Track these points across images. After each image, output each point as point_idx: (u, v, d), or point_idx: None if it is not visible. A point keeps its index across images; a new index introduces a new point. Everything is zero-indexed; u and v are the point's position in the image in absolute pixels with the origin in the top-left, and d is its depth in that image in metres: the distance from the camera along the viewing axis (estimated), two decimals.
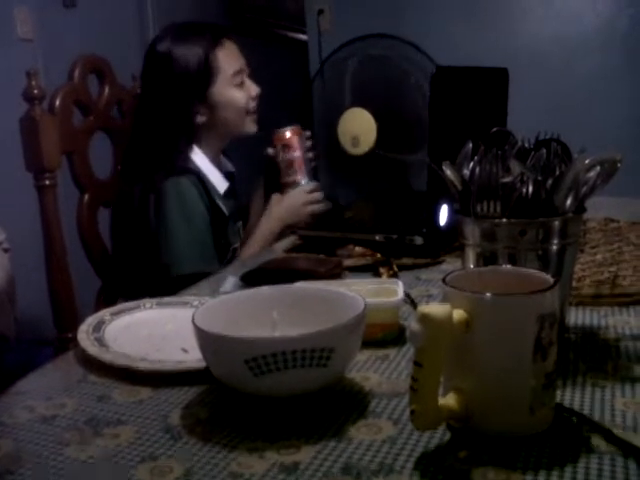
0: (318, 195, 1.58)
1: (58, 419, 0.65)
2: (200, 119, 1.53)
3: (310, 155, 1.62)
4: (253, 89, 1.59)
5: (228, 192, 1.57)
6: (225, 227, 1.55)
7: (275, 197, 1.58)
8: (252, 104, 1.59)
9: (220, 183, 1.56)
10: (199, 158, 1.54)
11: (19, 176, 1.44)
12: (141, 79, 1.58)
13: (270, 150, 1.59)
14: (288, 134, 1.57)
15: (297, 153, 1.57)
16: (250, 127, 1.60)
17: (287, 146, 1.57)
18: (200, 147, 1.55)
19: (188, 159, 1.52)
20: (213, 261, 1.47)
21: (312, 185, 1.59)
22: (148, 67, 1.55)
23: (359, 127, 1.62)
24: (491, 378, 0.56)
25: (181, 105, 1.50)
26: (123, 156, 1.58)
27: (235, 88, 1.55)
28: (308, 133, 1.63)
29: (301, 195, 1.57)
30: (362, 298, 0.68)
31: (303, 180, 1.58)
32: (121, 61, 1.70)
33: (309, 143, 1.63)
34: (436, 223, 1.15)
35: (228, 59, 1.54)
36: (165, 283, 1.38)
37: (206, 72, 1.51)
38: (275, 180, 1.61)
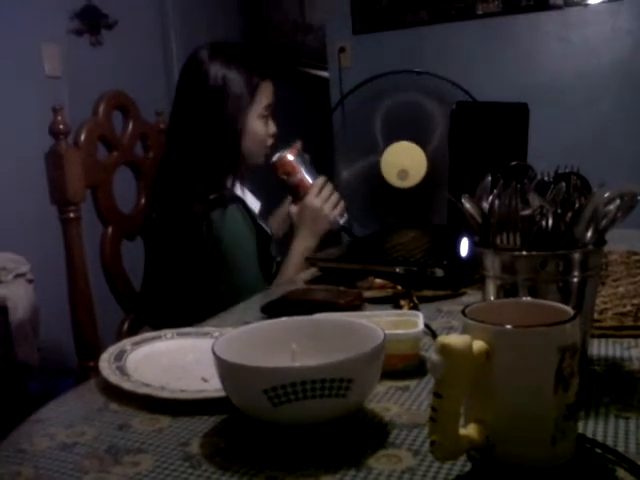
0: (329, 189, 1.60)
1: (78, 447, 0.66)
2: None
3: (310, 180, 1.63)
4: (272, 127, 1.64)
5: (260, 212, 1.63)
6: (269, 245, 1.58)
7: (295, 214, 1.62)
8: (270, 141, 1.64)
9: (254, 204, 1.61)
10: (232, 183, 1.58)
11: (44, 209, 1.47)
12: (178, 94, 1.59)
13: (280, 178, 1.63)
14: (284, 159, 1.61)
15: (299, 174, 1.61)
16: (259, 160, 1.65)
17: (287, 171, 1.61)
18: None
19: (232, 186, 1.56)
20: (263, 282, 1.51)
21: (318, 183, 1.61)
22: (191, 80, 1.57)
23: (409, 161, 1.64)
24: (512, 409, 0.56)
25: (225, 127, 1.53)
26: (153, 185, 1.60)
27: (261, 121, 1.60)
28: (298, 144, 1.66)
29: (314, 199, 1.58)
30: (382, 329, 0.68)
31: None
32: (145, 97, 1.74)
33: (307, 161, 1.65)
34: (457, 255, 1.15)
35: (266, 92, 1.59)
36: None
37: (245, 97, 1.55)
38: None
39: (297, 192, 1.62)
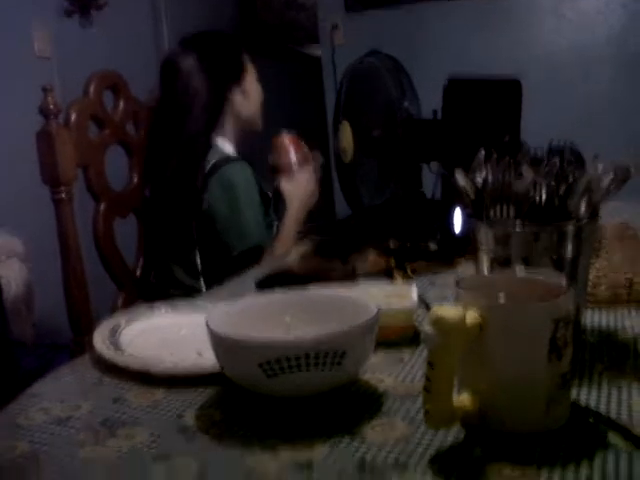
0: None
1: (73, 420, 0.66)
2: (234, 107, 1.64)
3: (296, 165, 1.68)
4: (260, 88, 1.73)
5: None
6: (269, 206, 1.66)
7: (286, 189, 1.66)
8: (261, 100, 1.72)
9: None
10: (229, 147, 1.66)
11: (36, 189, 1.46)
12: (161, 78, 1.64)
13: (271, 157, 1.69)
14: (284, 140, 1.66)
15: (293, 157, 1.66)
16: (260, 124, 1.73)
17: (284, 150, 1.66)
18: (225, 138, 1.65)
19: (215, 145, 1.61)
20: (268, 236, 1.60)
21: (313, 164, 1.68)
22: (170, 73, 1.62)
23: (346, 140, 1.69)
24: (506, 379, 0.56)
25: (218, 88, 1.61)
26: (145, 162, 1.63)
27: (257, 84, 1.69)
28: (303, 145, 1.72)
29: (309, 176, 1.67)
30: (375, 302, 0.68)
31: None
32: (136, 77, 1.72)
33: (305, 150, 1.71)
34: (450, 229, 1.15)
35: (251, 64, 1.69)
36: (220, 266, 1.52)
37: (239, 65, 1.66)
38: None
39: (286, 174, 1.66)
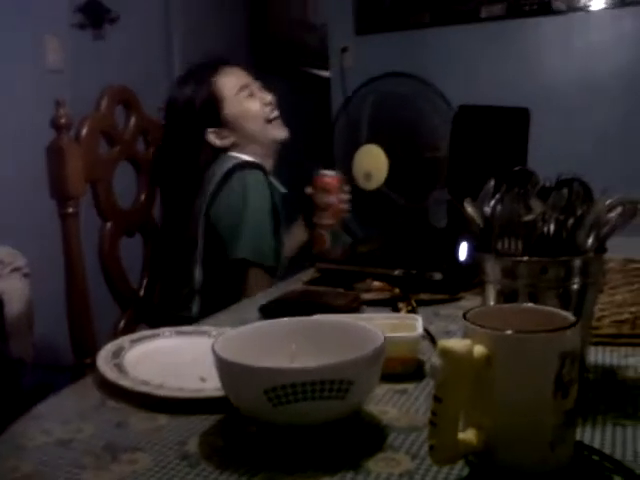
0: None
1: (75, 443, 0.66)
2: (227, 141, 1.62)
3: (345, 206, 1.70)
4: (264, 97, 1.66)
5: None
6: (279, 230, 1.60)
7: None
8: (267, 110, 1.66)
9: (279, 187, 1.67)
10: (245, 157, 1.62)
11: (43, 203, 1.46)
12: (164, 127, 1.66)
13: (309, 189, 1.67)
14: (329, 179, 1.65)
15: (333, 199, 1.65)
16: (278, 132, 1.67)
17: (326, 190, 1.64)
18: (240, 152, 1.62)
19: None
20: (271, 255, 1.54)
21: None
22: (167, 116, 1.65)
23: (373, 163, 1.68)
24: (511, 414, 0.56)
25: (199, 137, 1.60)
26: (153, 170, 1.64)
27: (245, 101, 1.63)
28: (348, 187, 1.72)
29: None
30: (381, 332, 0.68)
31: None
32: (148, 92, 1.73)
33: (346, 195, 1.71)
34: (455, 259, 1.15)
35: (228, 80, 1.63)
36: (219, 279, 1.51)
37: (211, 101, 1.60)
38: (310, 218, 1.70)
39: (321, 213, 1.66)
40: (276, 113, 1.67)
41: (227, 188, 1.53)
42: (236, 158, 1.59)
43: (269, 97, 1.67)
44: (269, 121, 1.65)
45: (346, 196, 1.71)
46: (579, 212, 0.74)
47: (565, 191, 0.75)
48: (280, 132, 1.67)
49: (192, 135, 1.60)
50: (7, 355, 1.61)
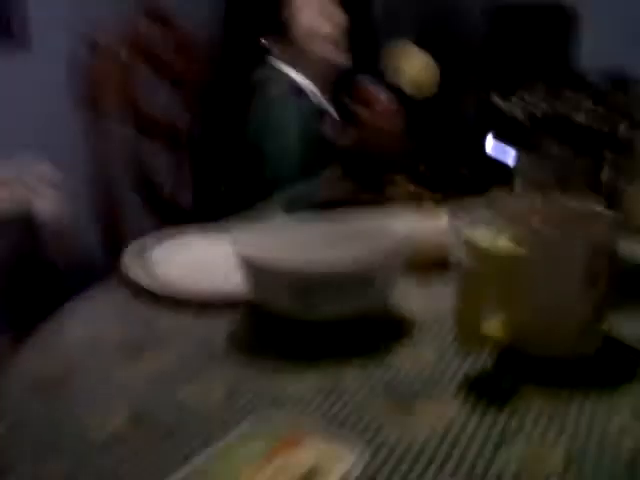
0: None
1: (104, 342, 0.67)
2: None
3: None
4: (336, 16, 1.56)
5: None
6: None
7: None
8: (335, 32, 1.55)
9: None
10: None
11: (73, 118, 1.45)
12: None
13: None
14: (370, 91, 1.46)
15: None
16: (339, 57, 1.56)
17: (370, 102, 1.44)
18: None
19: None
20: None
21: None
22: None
23: (423, 73, 1.54)
24: (539, 304, 0.55)
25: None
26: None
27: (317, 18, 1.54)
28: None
29: None
30: (405, 228, 0.67)
31: None
32: (185, 9, 1.68)
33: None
34: (484, 155, 1.12)
35: None
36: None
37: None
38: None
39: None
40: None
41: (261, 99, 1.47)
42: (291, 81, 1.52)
43: (337, 19, 1.56)
44: (315, 40, 1.55)
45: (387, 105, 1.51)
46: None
47: (620, 94, 0.72)
48: (342, 58, 1.56)
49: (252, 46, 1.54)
50: (41, 259, 1.64)
